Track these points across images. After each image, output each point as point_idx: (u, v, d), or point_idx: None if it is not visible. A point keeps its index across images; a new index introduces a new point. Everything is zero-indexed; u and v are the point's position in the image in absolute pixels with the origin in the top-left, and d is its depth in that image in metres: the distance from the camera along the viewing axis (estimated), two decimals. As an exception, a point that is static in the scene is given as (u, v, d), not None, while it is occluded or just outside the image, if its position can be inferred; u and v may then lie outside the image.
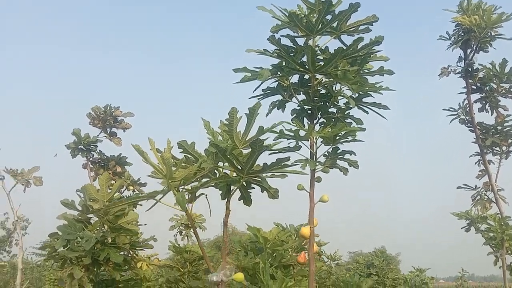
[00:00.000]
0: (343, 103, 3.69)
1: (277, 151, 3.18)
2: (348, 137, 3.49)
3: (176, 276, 7.07)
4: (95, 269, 4.51)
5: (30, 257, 18.97)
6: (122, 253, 4.54)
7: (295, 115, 3.60)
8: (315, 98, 3.60)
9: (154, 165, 2.48)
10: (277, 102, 3.65)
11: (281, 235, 5.40)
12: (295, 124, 3.36)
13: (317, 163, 3.46)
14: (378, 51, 3.56)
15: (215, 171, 2.90)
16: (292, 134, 3.32)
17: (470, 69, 7.05)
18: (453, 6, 7.14)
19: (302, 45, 3.42)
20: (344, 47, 3.41)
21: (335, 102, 3.65)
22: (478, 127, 7.11)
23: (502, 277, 6.50)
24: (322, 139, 3.52)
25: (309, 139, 3.45)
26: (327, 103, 3.62)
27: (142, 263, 7.09)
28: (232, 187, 2.95)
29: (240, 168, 2.77)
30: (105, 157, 7.66)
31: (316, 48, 3.48)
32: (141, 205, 5.42)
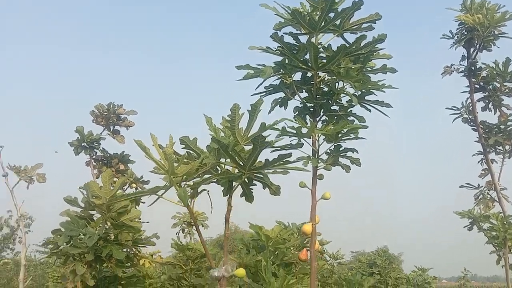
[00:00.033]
0: (346, 101, 3.70)
1: (279, 148, 3.18)
2: (350, 135, 3.50)
3: (178, 273, 7.09)
4: (97, 266, 4.53)
5: (33, 255, 19.05)
6: (124, 250, 4.56)
7: (297, 112, 3.61)
8: (317, 96, 3.60)
9: (156, 160, 2.49)
10: (280, 100, 3.66)
11: (283, 233, 5.41)
12: (297, 122, 3.37)
13: (319, 161, 3.47)
14: (381, 49, 3.56)
15: (217, 167, 2.90)
16: (294, 131, 3.32)
17: (473, 68, 7.03)
18: (456, 5, 7.14)
19: (305, 42, 3.42)
20: (347, 45, 3.41)
21: (338, 100, 3.66)
22: (481, 126, 7.10)
23: (505, 276, 6.48)
24: (324, 137, 3.52)
25: (311, 137, 3.46)
26: (330, 101, 3.62)
27: (144, 261, 7.13)
28: (234, 183, 2.95)
29: (242, 164, 2.78)
30: (108, 154, 7.68)
31: (319, 46, 3.48)
32: (144, 202, 5.43)
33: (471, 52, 7.05)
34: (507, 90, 7.05)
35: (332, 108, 3.66)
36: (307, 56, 3.38)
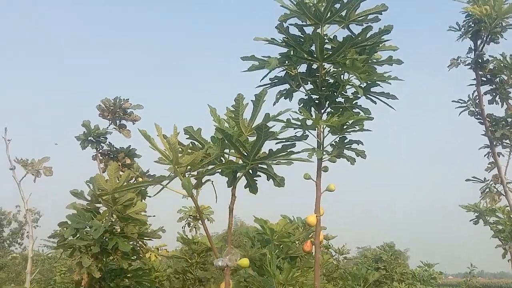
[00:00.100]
0: (351, 93, 3.68)
1: (283, 140, 3.18)
2: (355, 127, 3.48)
3: (184, 267, 7.13)
4: (103, 258, 4.56)
5: (41, 249, 19.23)
6: (130, 242, 4.58)
7: (302, 104, 3.60)
8: (322, 88, 3.58)
9: (161, 150, 2.50)
10: (285, 91, 3.64)
11: (288, 227, 5.42)
12: (302, 113, 3.36)
13: (324, 153, 3.46)
14: (387, 40, 3.54)
15: (221, 158, 2.90)
16: (299, 123, 3.32)
17: (480, 61, 6.95)
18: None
19: (310, 34, 3.40)
20: (353, 36, 3.39)
21: (343, 92, 3.64)
22: (487, 119, 7.03)
23: (511, 269, 6.45)
24: (329, 129, 3.51)
25: (316, 128, 3.45)
26: (335, 93, 3.61)
27: (150, 254, 7.17)
28: (238, 174, 2.95)
29: (246, 154, 2.77)
30: (114, 149, 7.70)
31: (325, 38, 3.46)
32: (150, 196, 5.45)
33: (478, 44, 6.96)
34: (514, 83, 6.98)
35: (337, 100, 3.64)
36: (313, 48, 3.37)
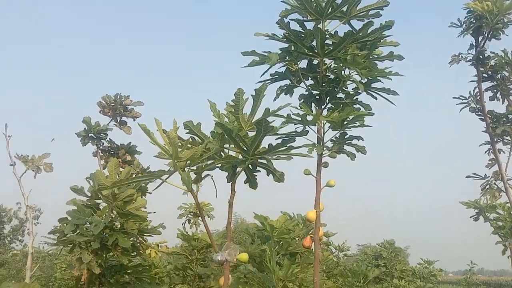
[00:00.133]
0: (352, 89, 3.67)
1: (284, 136, 3.17)
2: (356, 122, 3.47)
3: (184, 263, 7.14)
4: (103, 254, 4.56)
5: (41, 246, 19.25)
6: (130, 238, 4.58)
7: (302, 100, 3.59)
8: (323, 84, 3.57)
9: (160, 145, 2.49)
10: (285, 87, 3.63)
11: (287, 224, 5.42)
12: (302, 109, 3.35)
13: (324, 148, 3.45)
14: (388, 36, 3.52)
15: (221, 153, 2.90)
16: (300, 118, 3.31)
17: (481, 57, 6.95)
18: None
19: (311, 29, 3.39)
20: (354, 31, 3.38)
21: (344, 88, 3.63)
22: (488, 115, 7.02)
23: (511, 266, 6.45)
24: (329, 124, 3.50)
25: (316, 124, 3.44)
26: (335, 88, 3.59)
27: (151, 250, 7.18)
28: (237, 169, 2.94)
29: (245, 149, 2.76)
30: (115, 145, 7.72)
31: (326, 33, 3.45)
32: (150, 193, 5.46)
33: (480, 40, 6.96)
34: (515, 79, 6.96)
35: (338, 95, 3.63)
36: (314, 43, 3.35)
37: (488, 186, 7.07)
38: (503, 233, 6.11)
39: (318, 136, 3.47)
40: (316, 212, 3.35)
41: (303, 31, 3.34)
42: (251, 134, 2.86)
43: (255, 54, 3.33)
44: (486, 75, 7.11)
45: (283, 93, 3.63)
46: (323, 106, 3.60)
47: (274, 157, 2.87)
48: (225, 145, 2.86)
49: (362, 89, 3.44)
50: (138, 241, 4.89)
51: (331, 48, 3.34)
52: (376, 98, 3.65)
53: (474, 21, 6.75)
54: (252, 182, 2.99)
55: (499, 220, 6.18)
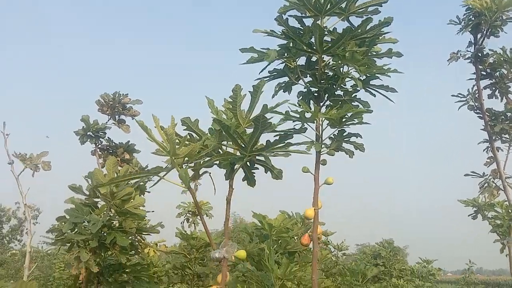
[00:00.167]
0: (350, 86, 3.66)
1: (282, 133, 3.16)
2: (354, 120, 3.46)
3: (183, 262, 7.13)
4: (102, 253, 4.54)
5: (40, 246, 19.23)
6: (128, 237, 4.57)
7: (301, 97, 3.57)
8: (321, 81, 3.56)
9: (158, 142, 2.48)
10: (284, 84, 3.62)
11: (286, 222, 5.41)
12: (301, 106, 3.33)
13: (322, 146, 3.44)
14: (387, 32, 3.51)
15: (219, 150, 2.88)
16: (298, 115, 3.30)
17: (480, 54, 6.93)
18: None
19: (310, 26, 3.38)
20: (353, 28, 3.37)
21: (342, 85, 3.62)
22: (487, 113, 7.02)
23: (509, 265, 6.44)
24: (328, 122, 3.49)
25: (315, 121, 3.43)
26: (334, 86, 3.58)
27: (149, 249, 7.17)
28: (235, 166, 2.93)
29: (243, 146, 2.75)
30: (113, 144, 7.70)
31: (324, 30, 3.43)
32: (149, 191, 5.44)
33: (478, 38, 6.94)
34: (514, 77, 6.95)
35: (336, 93, 3.62)
36: (312, 40, 3.34)
37: (486, 184, 7.07)
38: (501, 231, 6.10)
39: (316, 134, 3.46)
40: (314, 209, 3.34)
41: (302, 28, 3.32)
42: (249, 131, 2.84)
43: (254, 50, 3.32)
44: (484, 73, 7.10)
45: (282, 90, 3.62)
46: (321, 103, 3.59)
47: (272, 154, 2.85)
48: (223, 142, 2.85)
49: (361, 86, 3.43)
50: (136, 239, 4.87)
51: (330, 44, 3.33)
52: (374, 96, 3.64)
53: (473, 19, 6.73)
54: (250, 180, 2.98)
55: (497, 218, 6.16)
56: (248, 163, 2.92)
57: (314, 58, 3.52)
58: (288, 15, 3.36)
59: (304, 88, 3.60)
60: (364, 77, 3.55)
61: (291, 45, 3.39)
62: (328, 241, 11.68)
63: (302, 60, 3.58)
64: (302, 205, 3.42)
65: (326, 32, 3.40)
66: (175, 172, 2.64)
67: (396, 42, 3.60)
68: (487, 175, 7.23)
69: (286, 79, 3.62)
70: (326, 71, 3.59)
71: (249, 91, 2.86)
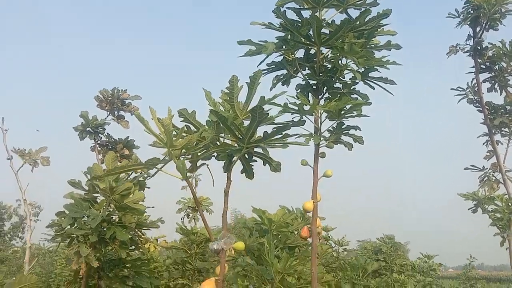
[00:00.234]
0: (349, 78, 3.65)
1: (280, 125, 3.15)
2: (353, 112, 3.46)
3: (183, 257, 7.13)
4: (101, 248, 4.55)
5: (42, 243, 19.30)
6: (129, 232, 4.57)
7: (300, 89, 3.57)
8: (320, 73, 3.55)
9: (155, 133, 2.47)
10: (282, 77, 3.61)
11: (286, 217, 5.40)
12: (299, 99, 3.33)
13: (321, 138, 3.43)
14: (385, 24, 3.50)
15: (217, 142, 2.88)
16: (296, 108, 3.29)
17: (479, 48, 6.91)
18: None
19: (308, 18, 3.36)
20: (351, 20, 3.35)
21: (341, 77, 3.61)
22: (486, 107, 7.00)
23: (509, 259, 6.45)
24: (327, 114, 3.48)
25: (313, 114, 3.42)
26: (333, 78, 3.57)
27: (149, 245, 7.18)
28: (233, 158, 2.92)
29: (241, 137, 2.74)
30: (113, 140, 7.69)
31: (322, 22, 3.42)
32: (149, 187, 5.45)
33: (477, 31, 6.91)
34: (514, 70, 6.93)
35: (335, 85, 3.61)
36: (310, 32, 3.33)
37: (486, 178, 7.06)
38: (501, 224, 6.10)
39: (315, 126, 3.46)
40: (313, 202, 3.34)
41: (300, 20, 3.31)
42: (247, 123, 2.84)
43: (251, 43, 3.31)
44: (484, 66, 7.07)
45: (280, 83, 3.61)
46: (320, 96, 3.58)
47: (270, 145, 2.85)
48: (220, 134, 2.84)
49: (359, 78, 3.42)
50: (136, 234, 4.88)
51: (328, 36, 3.31)
52: (373, 88, 3.63)
53: (472, 12, 6.70)
54: (248, 172, 2.97)
55: (497, 211, 6.16)
56: (246, 155, 2.92)
57: (312, 51, 3.51)
58: (286, 8, 3.34)
59: (303, 80, 3.59)
60: (363, 69, 3.54)
61: (289, 37, 3.37)
62: (329, 237, 11.69)
63: (300, 53, 3.57)
64: (302, 200, 3.43)
65: (324, 24, 3.39)
66: (172, 165, 2.63)
67: (395, 34, 3.58)
68: (487, 168, 7.22)
69: (284, 71, 3.61)
70: (324, 63, 3.58)
71: (246, 82, 2.85)
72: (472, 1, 6.56)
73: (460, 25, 6.87)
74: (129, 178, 5.16)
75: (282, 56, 3.57)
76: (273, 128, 3.10)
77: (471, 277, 15.12)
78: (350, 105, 3.40)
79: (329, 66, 3.59)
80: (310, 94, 3.58)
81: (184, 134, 2.66)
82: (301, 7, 3.42)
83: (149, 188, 5.46)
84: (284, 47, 3.45)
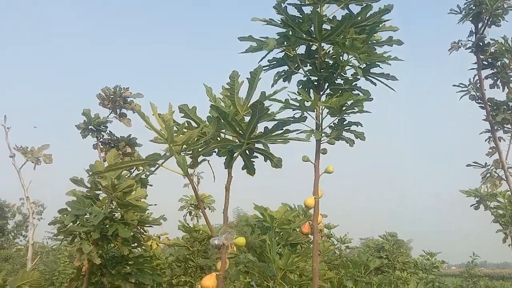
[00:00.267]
0: (351, 74, 3.64)
1: (281, 121, 3.14)
2: (354, 108, 3.44)
3: (186, 254, 7.14)
4: (104, 245, 4.56)
5: (45, 241, 19.38)
6: (131, 229, 4.58)
7: (301, 86, 3.56)
8: (321, 70, 3.54)
9: (156, 129, 2.48)
10: (283, 73, 3.60)
11: (287, 214, 5.40)
12: (301, 95, 3.32)
13: (322, 134, 3.43)
14: (387, 20, 3.49)
15: (217, 138, 2.88)
16: (298, 104, 3.29)
17: (481, 44, 6.88)
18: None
19: (309, 14, 3.35)
20: (352, 15, 3.34)
21: (342, 73, 3.60)
22: (488, 103, 6.98)
23: (512, 255, 6.44)
24: (328, 110, 3.48)
25: (315, 110, 3.42)
26: (334, 74, 3.56)
27: (152, 242, 7.19)
28: (234, 154, 2.92)
29: (241, 133, 2.74)
30: (115, 137, 7.72)
31: (324, 18, 3.41)
32: (151, 185, 5.46)
33: (479, 27, 6.88)
34: (516, 67, 6.90)
35: (336, 81, 3.60)
36: (312, 28, 3.32)
37: (488, 175, 7.04)
38: (503, 221, 6.08)
39: (316, 122, 3.45)
40: (315, 198, 3.34)
41: (301, 16, 3.30)
42: (248, 119, 2.83)
43: (252, 39, 3.30)
44: (486, 63, 7.05)
45: (281, 79, 3.60)
46: (321, 92, 3.57)
47: (271, 141, 2.84)
48: (221, 130, 2.84)
49: (361, 74, 3.41)
50: (138, 232, 4.89)
51: (329, 32, 3.30)
52: (375, 84, 3.61)
53: (474, 7, 6.67)
54: (249, 168, 2.97)
55: (499, 208, 6.15)
56: (247, 151, 2.92)
57: (314, 47, 3.50)
58: (287, 3, 3.33)
59: (304, 77, 3.58)
60: (364, 65, 3.52)
61: (290, 33, 3.37)
62: (331, 234, 11.69)
63: (302, 49, 3.56)
64: (303, 198, 3.43)
65: (325, 20, 3.38)
66: (174, 162, 2.63)
67: (396, 30, 3.57)
68: (489, 165, 7.20)
69: (285, 68, 3.60)
70: (326, 59, 3.56)
71: (246, 78, 2.84)
72: (474, -4, 6.54)
73: (462, 21, 6.85)
74: (131, 175, 5.18)
75: (283, 53, 3.55)
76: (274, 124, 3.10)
77: (473, 275, 15.10)
78: (352, 101, 3.39)
79: (331, 62, 3.58)
80: (311, 90, 3.57)
81: (185, 130, 2.67)
82: (302, 3, 3.41)
83: (151, 186, 5.49)
84: (285, 43, 3.44)
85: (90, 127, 7.42)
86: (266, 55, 3.44)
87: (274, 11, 3.32)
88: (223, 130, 2.85)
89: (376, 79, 3.59)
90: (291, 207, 5.90)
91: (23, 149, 6.94)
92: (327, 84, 3.59)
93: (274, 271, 4.38)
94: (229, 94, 2.84)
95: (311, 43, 3.46)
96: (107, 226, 4.41)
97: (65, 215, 4.48)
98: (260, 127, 2.84)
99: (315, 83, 3.57)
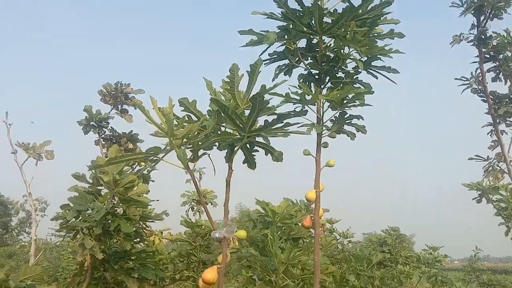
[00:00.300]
0: (352, 68, 3.62)
1: (282, 115, 3.13)
2: (356, 101, 3.43)
3: (188, 249, 7.17)
4: (106, 240, 4.58)
5: (49, 238, 19.50)
6: (133, 224, 4.60)
7: (302, 79, 3.54)
8: (322, 63, 3.52)
9: (156, 123, 2.48)
10: (284, 67, 3.59)
11: (289, 209, 5.41)
12: (301, 88, 3.31)
13: (323, 128, 3.42)
14: (388, 13, 3.46)
15: (218, 131, 2.87)
16: (299, 98, 3.27)
17: (483, 37, 6.84)
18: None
19: (310, 7, 3.33)
20: (353, 8, 3.32)
21: (343, 67, 3.58)
22: (491, 96, 6.95)
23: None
24: (329, 104, 3.46)
25: (315, 103, 3.40)
26: (335, 68, 3.54)
27: (154, 237, 7.21)
28: (235, 148, 2.91)
29: (242, 126, 2.73)
30: (117, 133, 7.72)
31: (325, 11, 3.39)
32: (153, 181, 5.47)
33: (481, 20, 6.84)
34: (518, 60, 6.86)
35: (337, 75, 3.58)
36: (312, 22, 3.30)
37: (490, 168, 7.02)
38: (506, 214, 6.07)
39: (317, 116, 3.44)
40: (316, 192, 3.34)
41: (301, 9, 3.28)
42: (248, 112, 2.83)
43: (253, 33, 3.29)
44: (488, 56, 7.01)
45: (282, 73, 3.59)
46: (322, 86, 3.56)
47: (271, 134, 2.84)
48: (221, 123, 2.84)
49: (362, 67, 3.39)
50: (141, 227, 4.91)
51: (330, 25, 3.28)
52: (376, 77, 3.60)
53: (476, 0, 6.63)
54: (250, 162, 2.97)
55: (501, 201, 6.14)
56: (247, 145, 2.91)
57: (314, 40, 3.47)
58: (288, -3, 3.31)
59: (305, 70, 3.57)
60: (366, 58, 3.50)
61: (290, 27, 3.35)
62: (334, 229, 11.71)
63: (302, 43, 3.54)
64: (305, 192, 3.42)
65: (326, 13, 3.36)
66: (175, 156, 2.63)
67: (398, 22, 3.54)
68: (491, 158, 7.18)
69: (286, 61, 3.58)
70: (327, 53, 3.54)
71: (246, 71, 2.83)
72: (476, -11, 6.50)
73: (463, 14, 6.80)
74: (133, 171, 5.18)
75: (284, 46, 3.53)
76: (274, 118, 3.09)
77: (476, 269, 15.11)
78: (353, 95, 3.37)
79: (332, 55, 3.56)
80: (312, 84, 3.56)
81: (185, 124, 2.66)
82: (303, -4, 3.39)
83: (153, 181, 5.50)
84: (285, 36, 3.42)
85: (91, 123, 7.43)
86: (266, 49, 3.43)
87: (275, 4, 3.31)
88: (224, 124, 2.84)
89: (378, 72, 3.57)
90: (292, 202, 5.91)
91: (25, 145, 6.95)
92: (328, 78, 3.57)
93: (276, 265, 4.38)
94: (229, 87, 2.83)
95: (311, 37, 3.44)
96: (109, 221, 4.42)
97: (67, 211, 4.49)
98: (261, 121, 2.84)
99: (316, 76, 3.55)
